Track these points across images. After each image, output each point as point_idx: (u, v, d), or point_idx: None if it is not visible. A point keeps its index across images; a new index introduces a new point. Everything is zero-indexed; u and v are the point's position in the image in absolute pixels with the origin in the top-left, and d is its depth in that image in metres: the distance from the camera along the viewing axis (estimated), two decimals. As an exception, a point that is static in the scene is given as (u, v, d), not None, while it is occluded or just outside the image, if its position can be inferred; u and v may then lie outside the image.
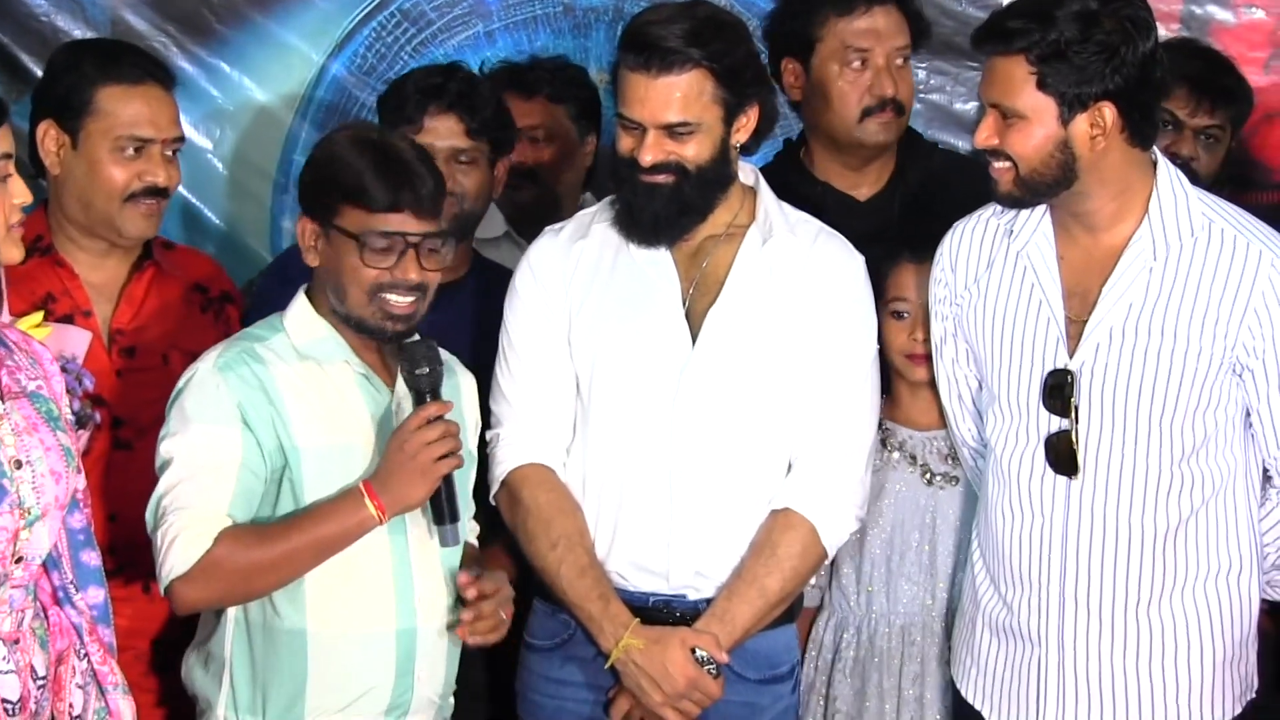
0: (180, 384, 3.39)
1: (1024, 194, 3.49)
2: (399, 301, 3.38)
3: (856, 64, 4.19)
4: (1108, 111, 3.40)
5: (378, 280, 3.36)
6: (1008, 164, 3.46)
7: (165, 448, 3.35)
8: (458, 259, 3.84)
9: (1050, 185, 3.46)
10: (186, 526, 3.29)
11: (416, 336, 3.46)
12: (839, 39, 4.20)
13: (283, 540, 3.32)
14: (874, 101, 4.19)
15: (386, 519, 3.34)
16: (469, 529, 3.61)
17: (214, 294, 4.03)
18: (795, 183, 3.98)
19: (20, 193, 3.08)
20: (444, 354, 3.48)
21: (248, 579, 3.33)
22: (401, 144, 3.46)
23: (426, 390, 3.39)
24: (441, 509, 3.40)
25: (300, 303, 3.47)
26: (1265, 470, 3.62)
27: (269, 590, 3.36)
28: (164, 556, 3.29)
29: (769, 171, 3.91)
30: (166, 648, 3.76)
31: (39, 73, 4.84)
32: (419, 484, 3.35)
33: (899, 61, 4.23)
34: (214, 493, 3.32)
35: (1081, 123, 3.41)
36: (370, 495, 3.33)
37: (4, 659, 3.07)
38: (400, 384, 3.46)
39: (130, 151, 3.86)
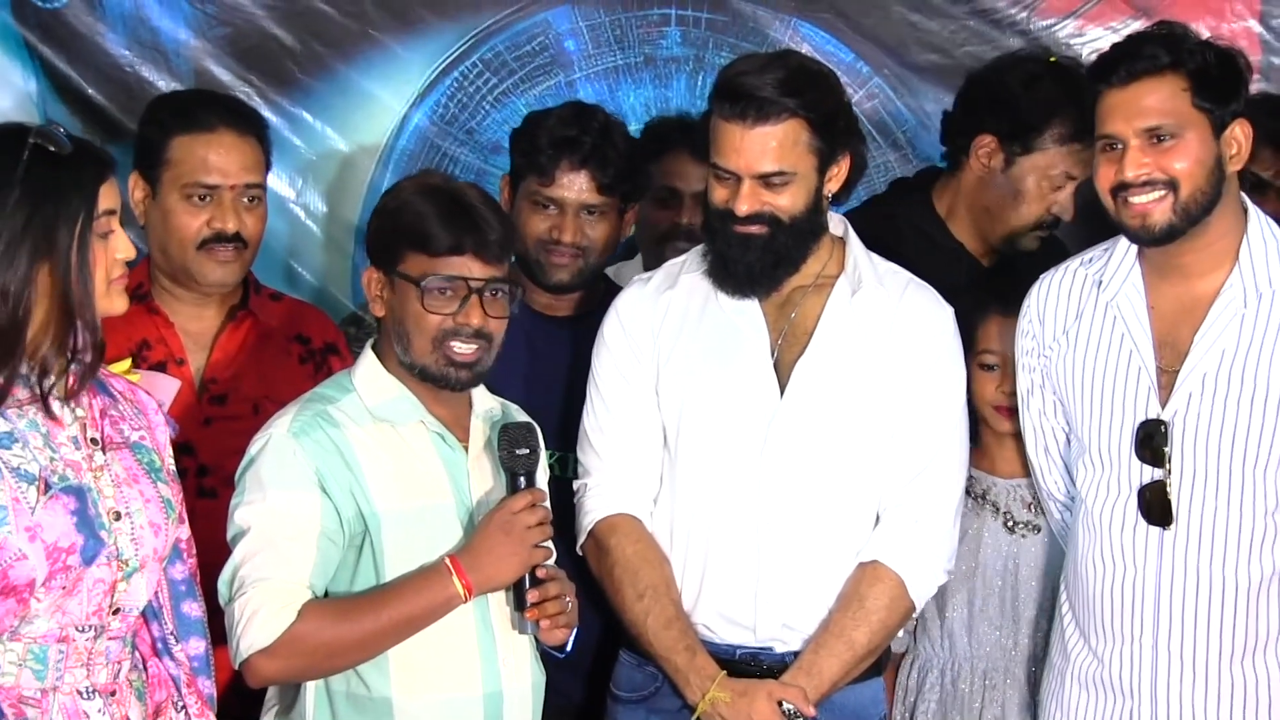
0: (253, 450, 3.34)
1: (1183, 222, 3.43)
2: (463, 349, 3.34)
3: (1060, 187, 4.14)
4: (1243, 131, 3.43)
5: (441, 327, 3.33)
6: (1164, 192, 3.42)
7: (241, 516, 3.30)
8: (591, 300, 3.88)
9: (1205, 209, 3.43)
10: (268, 599, 3.23)
11: (518, 415, 3.46)
12: (1061, 164, 4.13)
13: (368, 617, 3.27)
14: (1051, 219, 4.17)
15: (473, 597, 3.30)
16: None
17: (317, 345, 4.01)
18: (932, 233, 3.98)
19: (124, 248, 3.06)
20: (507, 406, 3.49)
21: (330, 656, 3.28)
22: (468, 190, 3.43)
23: (522, 472, 3.36)
24: (523, 595, 3.35)
25: (369, 360, 3.43)
26: None
27: (350, 667, 3.31)
28: (243, 629, 3.23)
29: (882, 204, 3.96)
30: (233, 701, 3.68)
31: (125, 122, 4.89)
32: (513, 565, 3.32)
33: None
34: (294, 563, 3.26)
35: (1225, 142, 3.43)
36: (458, 573, 3.28)
37: (100, 710, 3.05)
38: (474, 439, 3.43)
39: (198, 199, 3.86)
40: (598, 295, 4.01)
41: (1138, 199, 3.43)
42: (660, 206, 4.40)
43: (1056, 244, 4.30)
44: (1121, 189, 3.43)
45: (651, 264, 4.22)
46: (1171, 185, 3.40)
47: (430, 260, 3.31)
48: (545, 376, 3.91)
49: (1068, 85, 4.11)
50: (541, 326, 3.93)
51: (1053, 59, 4.39)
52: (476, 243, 3.33)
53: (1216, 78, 3.38)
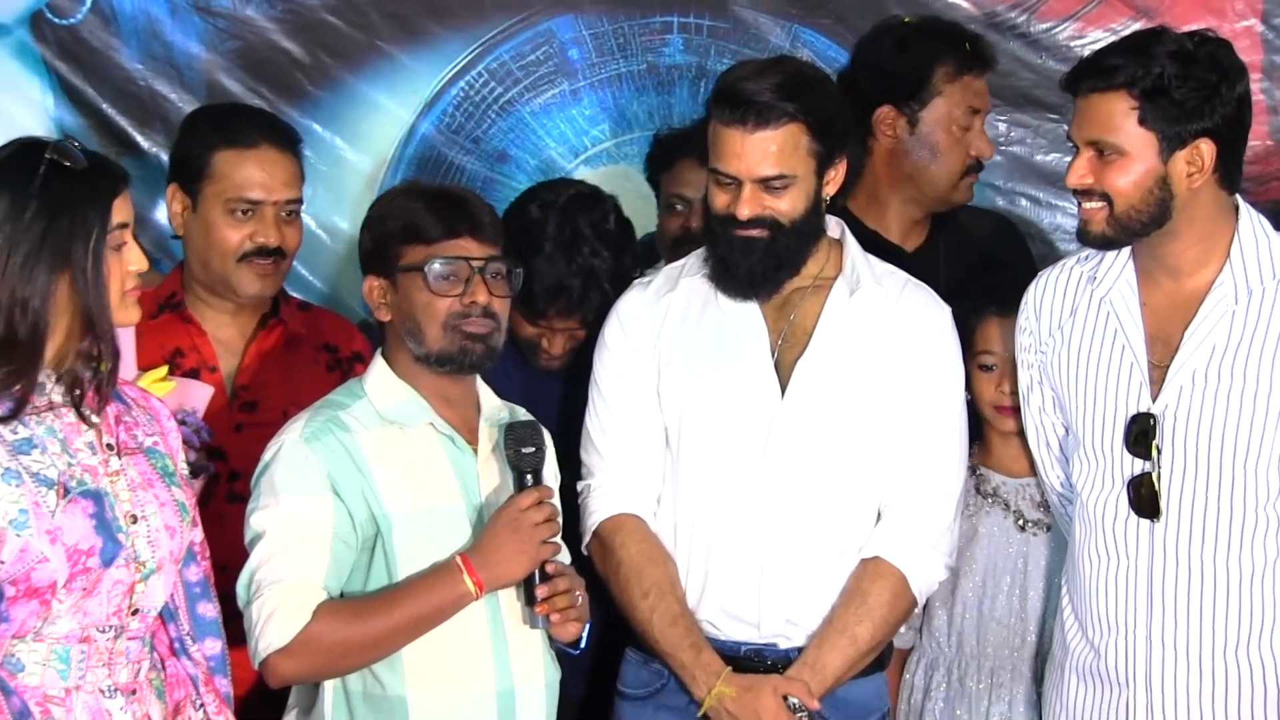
0: (266, 456, 3.37)
1: (1117, 234, 3.47)
2: (479, 325, 3.38)
3: (964, 129, 4.19)
4: (1206, 149, 3.41)
5: (450, 310, 3.36)
6: (1101, 204, 3.45)
7: (256, 520, 3.33)
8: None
9: (1144, 225, 3.45)
10: (284, 601, 3.26)
11: (523, 416, 3.48)
12: (963, 97, 4.20)
13: (381, 616, 3.30)
14: (974, 162, 4.21)
15: (483, 594, 3.32)
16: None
17: (344, 354, 4.04)
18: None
19: (137, 260, 3.09)
20: (514, 409, 3.51)
21: (346, 655, 3.31)
22: (450, 185, 3.52)
23: (529, 470, 3.39)
24: (534, 591, 3.38)
25: (379, 366, 3.46)
26: None
27: (365, 665, 3.34)
28: (260, 630, 3.27)
29: None
30: (258, 704, 3.70)
31: (137, 137, 4.94)
32: (522, 562, 3.34)
33: (984, 126, 4.26)
34: (308, 565, 3.29)
35: (1180, 160, 3.41)
36: (469, 570, 3.31)
37: (121, 709, 3.07)
38: (483, 441, 3.45)
39: (241, 213, 3.89)
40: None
41: (1082, 204, 3.48)
42: (672, 214, 4.42)
43: (1010, 226, 4.34)
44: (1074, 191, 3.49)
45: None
46: (1107, 199, 3.43)
47: (429, 247, 3.36)
48: (544, 379, 3.98)
49: (934, 33, 4.24)
50: (534, 378, 4.01)
51: (906, 19, 4.45)
52: (471, 224, 3.38)
53: (1175, 99, 3.36)
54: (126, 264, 3.06)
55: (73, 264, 2.97)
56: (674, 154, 4.47)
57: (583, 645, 3.47)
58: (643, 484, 3.73)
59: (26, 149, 3.03)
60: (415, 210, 3.39)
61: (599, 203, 4.07)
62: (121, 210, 3.04)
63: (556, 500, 3.44)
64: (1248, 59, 3.53)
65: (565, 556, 3.54)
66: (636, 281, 3.85)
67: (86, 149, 3.08)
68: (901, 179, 4.26)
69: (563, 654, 3.51)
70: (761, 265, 3.62)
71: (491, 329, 3.39)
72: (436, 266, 3.35)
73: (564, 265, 3.92)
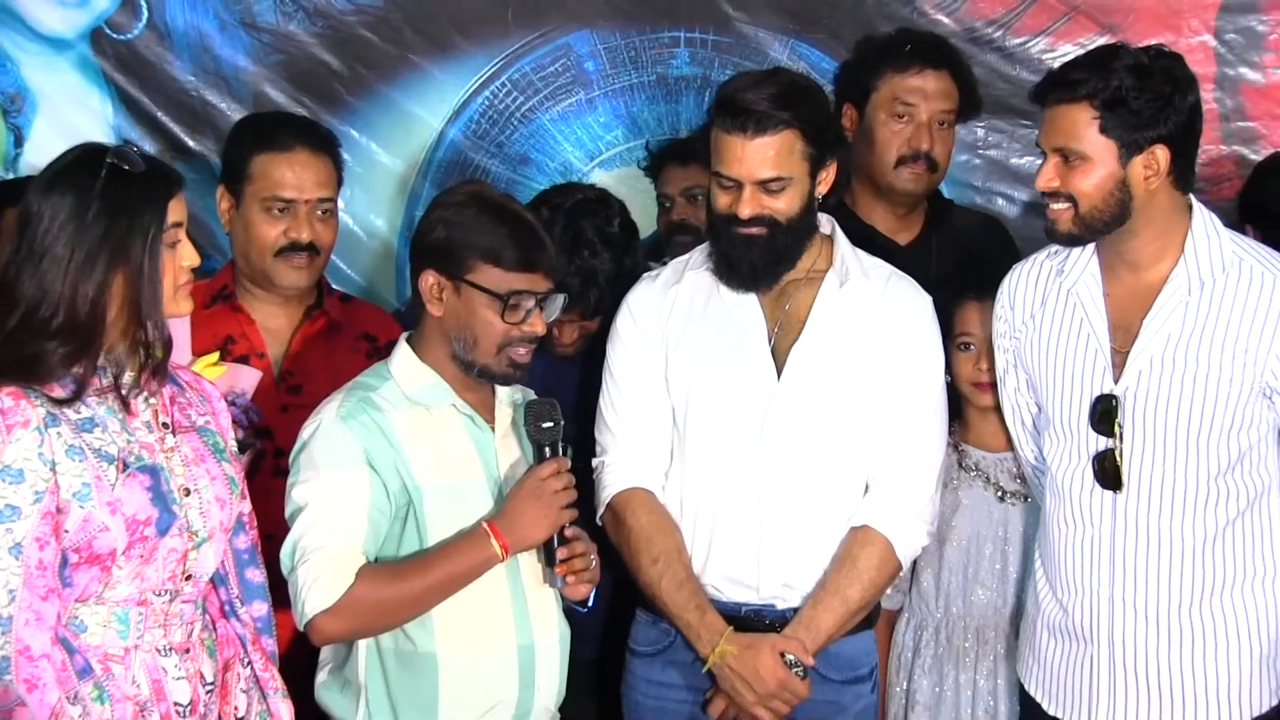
0: (305, 434, 3.38)
1: (1081, 231, 3.51)
2: (523, 353, 3.41)
3: (901, 117, 4.22)
4: (1161, 154, 3.45)
5: (508, 334, 3.38)
6: (1067, 205, 3.49)
7: (298, 494, 3.34)
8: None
9: (1106, 223, 3.49)
10: (327, 566, 3.28)
11: (530, 393, 3.50)
12: (891, 91, 4.23)
13: (418, 578, 3.32)
14: (909, 152, 4.23)
15: (509, 556, 3.37)
16: None
17: (381, 343, 4.03)
18: (842, 225, 3.90)
19: (189, 256, 3.13)
20: (526, 391, 3.53)
21: (385, 614, 3.33)
22: (523, 210, 3.46)
23: (548, 443, 3.42)
24: (554, 553, 3.42)
25: (404, 351, 3.48)
26: None
27: (402, 623, 3.36)
28: (306, 594, 3.28)
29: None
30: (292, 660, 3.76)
31: (189, 142, 4.96)
32: (543, 526, 3.38)
33: (940, 123, 4.25)
34: (348, 533, 3.31)
35: (1138, 165, 3.45)
36: (495, 535, 3.35)
37: (176, 666, 3.13)
38: (499, 420, 3.48)
39: (276, 211, 3.91)
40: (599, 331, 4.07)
41: (1050, 205, 3.51)
42: (661, 210, 4.54)
43: (999, 226, 4.40)
44: (1042, 193, 3.53)
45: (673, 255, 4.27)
46: (1072, 200, 3.47)
47: (505, 274, 3.36)
48: (561, 367, 4.02)
49: (884, 41, 4.30)
50: (551, 365, 4.01)
51: (866, 37, 4.53)
52: (544, 260, 3.40)
53: (1132, 109, 3.41)
54: (180, 260, 3.10)
55: (130, 260, 3.00)
56: (660, 160, 4.61)
57: (590, 605, 3.50)
58: (652, 460, 3.76)
59: (89, 154, 3.06)
60: (500, 235, 3.36)
61: (605, 207, 4.09)
62: (176, 210, 3.08)
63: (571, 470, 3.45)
64: (1201, 71, 3.60)
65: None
66: (645, 275, 3.87)
67: (144, 154, 3.12)
68: (863, 171, 4.29)
69: (577, 618, 3.54)
70: (761, 260, 3.64)
71: (530, 356, 3.43)
72: (510, 298, 3.35)
73: (565, 264, 3.90)
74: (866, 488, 3.75)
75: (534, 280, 3.38)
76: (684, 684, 3.76)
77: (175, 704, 3.11)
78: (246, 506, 3.29)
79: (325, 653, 3.50)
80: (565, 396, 3.69)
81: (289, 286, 3.96)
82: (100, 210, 3.00)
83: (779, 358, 3.71)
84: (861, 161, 4.27)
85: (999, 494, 3.92)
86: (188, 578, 3.13)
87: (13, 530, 2.92)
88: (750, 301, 3.73)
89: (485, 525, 3.36)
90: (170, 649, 3.12)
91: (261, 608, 3.32)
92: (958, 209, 4.53)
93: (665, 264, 3.92)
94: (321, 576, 3.28)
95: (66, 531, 2.97)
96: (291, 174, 3.91)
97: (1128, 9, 4.83)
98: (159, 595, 3.09)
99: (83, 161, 3.06)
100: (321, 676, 3.49)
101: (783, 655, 3.65)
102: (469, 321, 3.39)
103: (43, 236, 2.99)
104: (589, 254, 4.01)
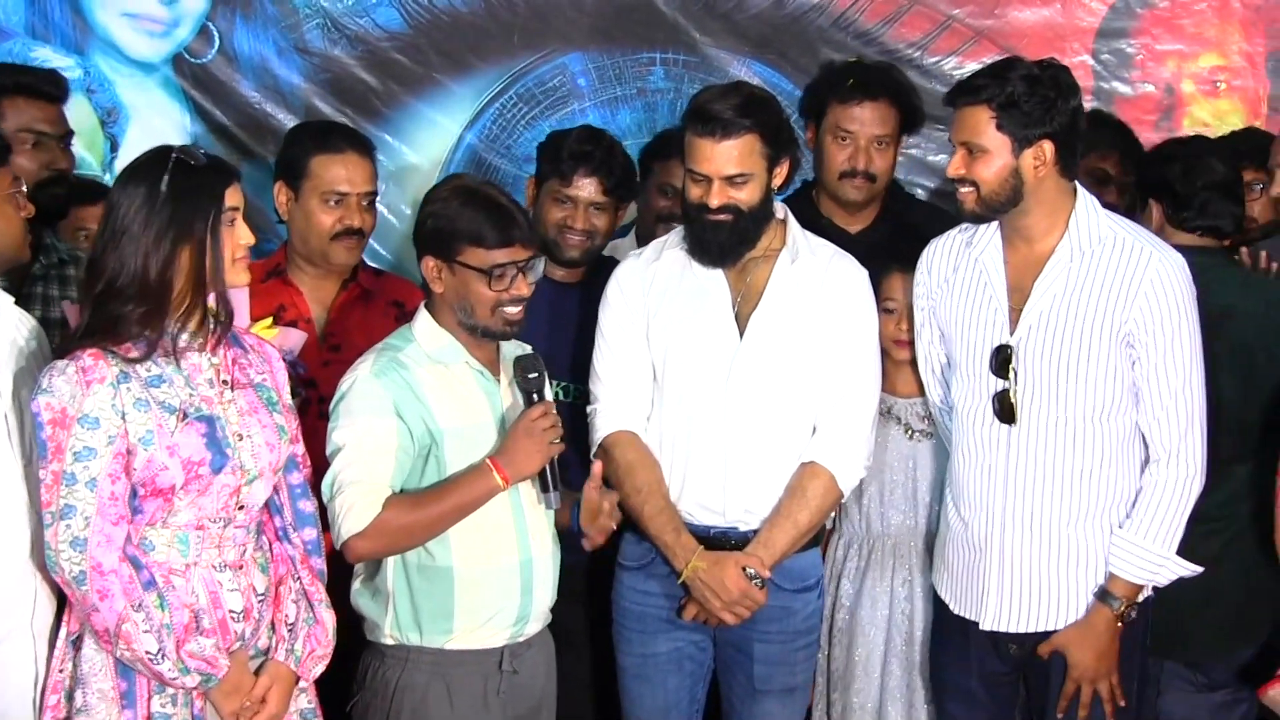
0: (343, 388, 3.27)
1: (984, 211, 3.43)
2: (514, 311, 3.29)
3: (842, 140, 4.11)
4: (1048, 148, 3.36)
5: (498, 299, 3.27)
6: (972, 189, 3.41)
7: (338, 437, 3.23)
8: (594, 271, 3.86)
9: (1003, 204, 3.41)
10: (361, 496, 3.18)
11: (527, 349, 3.40)
12: (834, 118, 4.12)
13: (435, 506, 3.22)
14: (850, 169, 4.11)
15: (509, 485, 3.26)
16: None
17: (409, 309, 3.86)
18: (805, 216, 3.88)
19: (245, 236, 3.04)
20: (523, 347, 3.44)
21: (409, 535, 3.22)
22: (494, 191, 3.35)
23: (535, 390, 3.31)
24: (547, 480, 3.32)
25: (424, 316, 3.35)
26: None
27: (423, 543, 3.25)
28: (342, 519, 3.18)
29: (788, 203, 3.83)
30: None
31: (254, 147, 4.90)
32: (536, 459, 3.26)
33: (878, 145, 4.12)
34: (379, 470, 3.20)
35: (1028, 156, 3.37)
36: (497, 468, 3.23)
37: (230, 579, 3.05)
38: (504, 375, 3.37)
39: (333, 203, 3.80)
40: (599, 268, 3.91)
41: (959, 190, 3.44)
42: (662, 196, 4.32)
43: (944, 216, 4.21)
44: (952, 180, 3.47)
45: (652, 237, 4.15)
46: (975, 185, 3.40)
47: (488, 252, 3.24)
48: (561, 328, 3.83)
49: (834, 72, 4.22)
50: (558, 291, 3.86)
51: (826, 64, 4.46)
52: (519, 234, 3.28)
53: (1022, 110, 3.32)
54: (237, 238, 3.00)
55: (194, 238, 2.92)
56: (669, 150, 4.34)
57: (576, 526, 3.40)
58: (636, 407, 3.64)
59: (159, 153, 3.00)
60: (478, 220, 3.25)
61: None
62: (233, 197, 2.98)
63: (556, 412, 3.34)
64: (1081, 84, 3.49)
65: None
66: (631, 254, 3.76)
67: (206, 152, 3.04)
68: (820, 179, 4.21)
69: (572, 537, 3.44)
70: (728, 241, 3.54)
71: (522, 311, 3.31)
72: (494, 271, 3.25)
73: (589, 140, 3.85)
74: (814, 429, 3.62)
75: (514, 252, 3.26)
76: (663, 593, 3.64)
77: (230, 611, 3.03)
78: (300, 449, 3.19)
79: (359, 566, 3.39)
80: (567, 317, 3.67)
81: (342, 264, 3.86)
82: (167, 197, 2.92)
83: (741, 322, 3.59)
84: (817, 170, 4.20)
85: (909, 433, 3.78)
86: (240, 508, 3.04)
87: (89, 468, 2.89)
88: (718, 276, 3.61)
89: (488, 461, 3.25)
90: (225, 566, 3.04)
91: (311, 533, 3.19)
92: (913, 203, 4.43)
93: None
94: (355, 505, 3.18)
95: (135, 470, 2.93)
96: (345, 172, 3.80)
97: (1021, 34, 4.78)
98: (214, 521, 3.01)
99: (153, 159, 2.98)
100: (356, 585, 3.38)
101: (744, 569, 3.53)
102: (465, 294, 3.28)
103: (121, 219, 2.93)
104: (608, 141, 3.89)
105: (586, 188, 3.85)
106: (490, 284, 3.24)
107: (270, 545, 3.14)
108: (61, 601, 3.03)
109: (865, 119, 4.09)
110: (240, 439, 3.01)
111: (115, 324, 2.90)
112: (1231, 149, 3.99)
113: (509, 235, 3.25)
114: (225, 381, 3.03)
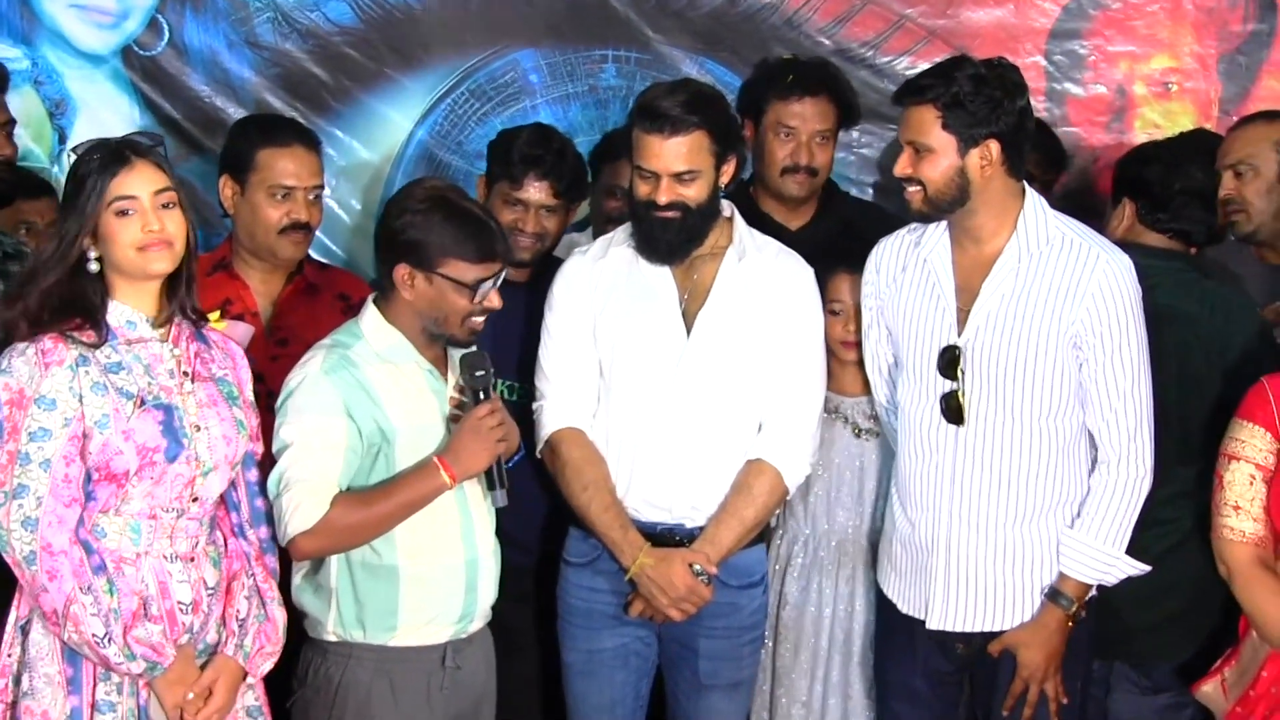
0: (291, 384, 3.26)
1: (930, 210, 3.43)
2: (481, 321, 3.31)
3: (785, 135, 4.13)
4: (994, 147, 3.36)
5: (470, 310, 3.28)
6: (919, 188, 3.41)
7: (285, 434, 3.22)
8: (542, 271, 3.84)
9: (950, 204, 3.40)
10: (308, 495, 3.18)
11: (473, 347, 3.38)
12: (776, 115, 4.15)
13: (381, 504, 3.22)
14: (791, 165, 4.15)
15: (456, 484, 3.25)
16: None
17: (354, 301, 3.88)
18: (744, 212, 3.84)
19: (150, 224, 3.01)
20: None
21: (355, 534, 3.22)
22: (471, 204, 3.34)
23: (481, 388, 3.31)
24: (493, 478, 3.33)
25: (372, 312, 3.33)
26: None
27: (369, 541, 3.25)
28: (289, 517, 3.18)
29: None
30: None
31: (204, 140, 4.83)
32: (483, 457, 3.27)
33: (819, 140, 4.16)
34: (326, 468, 3.20)
35: (974, 156, 3.36)
36: (444, 467, 3.23)
37: (180, 571, 3.06)
38: (451, 375, 3.36)
39: (280, 197, 3.80)
40: (547, 267, 3.90)
41: (906, 189, 3.44)
42: (610, 197, 4.32)
43: (885, 215, 4.26)
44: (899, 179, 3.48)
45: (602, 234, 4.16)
46: (922, 185, 3.40)
47: (470, 266, 3.24)
48: (508, 328, 3.80)
49: (773, 68, 4.26)
50: (505, 291, 3.80)
51: (785, 56, 4.48)
52: (500, 251, 3.29)
53: (968, 110, 3.32)
54: (143, 226, 2.99)
55: (86, 228, 2.96)
56: (617, 150, 4.33)
57: (506, 503, 3.37)
58: (582, 403, 3.64)
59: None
60: (462, 234, 3.24)
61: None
62: (126, 186, 2.98)
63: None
64: (1033, 85, 3.54)
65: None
66: (576, 250, 3.76)
67: (143, 137, 3.10)
68: (759, 174, 4.22)
69: (516, 533, 3.47)
70: (676, 238, 3.54)
71: (484, 321, 3.32)
72: (478, 285, 3.24)
73: (540, 143, 3.82)
74: (760, 427, 3.64)
75: (492, 267, 3.29)
76: (610, 589, 3.65)
77: (179, 602, 3.05)
78: (260, 447, 3.22)
79: (306, 567, 3.38)
80: (516, 319, 3.65)
81: (289, 258, 3.86)
82: (71, 191, 3.00)
83: (688, 320, 3.60)
84: (757, 167, 4.22)
85: (855, 431, 3.80)
86: (194, 499, 3.06)
87: (44, 448, 2.93)
88: (665, 273, 3.62)
89: (436, 459, 3.25)
90: (176, 557, 3.06)
91: (266, 530, 3.23)
92: (848, 200, 4.44)
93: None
94: (302, 503, 3.18)
95: (90, 454, 2.95)
96: (292, 166, 3.81)
97: (974, 34, 4.72)
98: (167, 511, 3.04)
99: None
100: (296, 580, 3.37)
101: (691, 565, 3.55)
102: (439, 303, 3.28)
103: (64, 214, 3.03)
104: (558, 143, 3.87)
105: (537, 191, 3.83)
106: (472, 298, 3.25)
107: (225, 540, 3.15)
108: (11, 586, 3.03)
109: (807, 114, 4.12)
110: (198, 430, 3.03)
111: (69, 307, 2.93)
112: (1210, 159, 3.94)
113: (491, 250, 3.26)
114: (186, 373, 3.05)
